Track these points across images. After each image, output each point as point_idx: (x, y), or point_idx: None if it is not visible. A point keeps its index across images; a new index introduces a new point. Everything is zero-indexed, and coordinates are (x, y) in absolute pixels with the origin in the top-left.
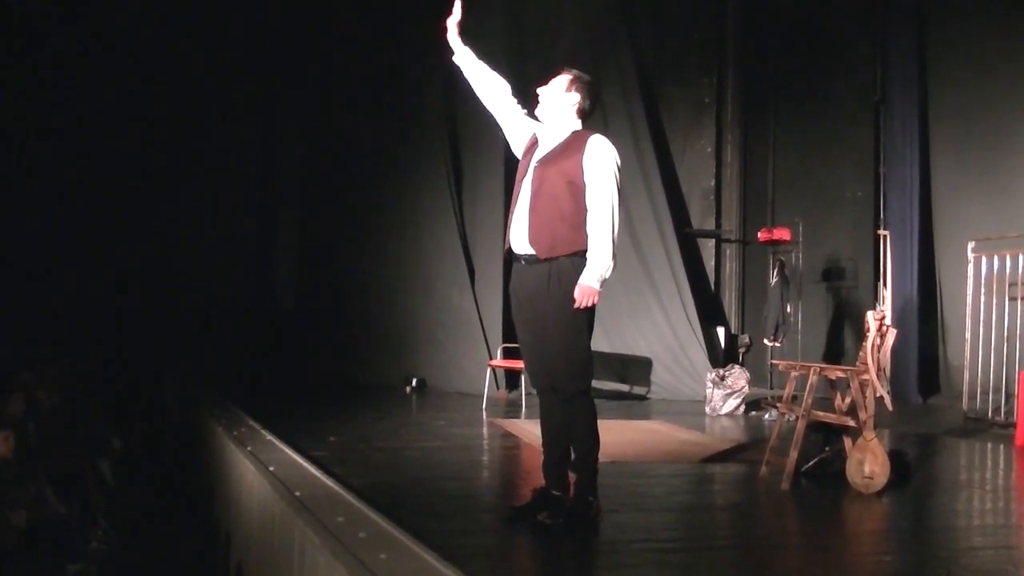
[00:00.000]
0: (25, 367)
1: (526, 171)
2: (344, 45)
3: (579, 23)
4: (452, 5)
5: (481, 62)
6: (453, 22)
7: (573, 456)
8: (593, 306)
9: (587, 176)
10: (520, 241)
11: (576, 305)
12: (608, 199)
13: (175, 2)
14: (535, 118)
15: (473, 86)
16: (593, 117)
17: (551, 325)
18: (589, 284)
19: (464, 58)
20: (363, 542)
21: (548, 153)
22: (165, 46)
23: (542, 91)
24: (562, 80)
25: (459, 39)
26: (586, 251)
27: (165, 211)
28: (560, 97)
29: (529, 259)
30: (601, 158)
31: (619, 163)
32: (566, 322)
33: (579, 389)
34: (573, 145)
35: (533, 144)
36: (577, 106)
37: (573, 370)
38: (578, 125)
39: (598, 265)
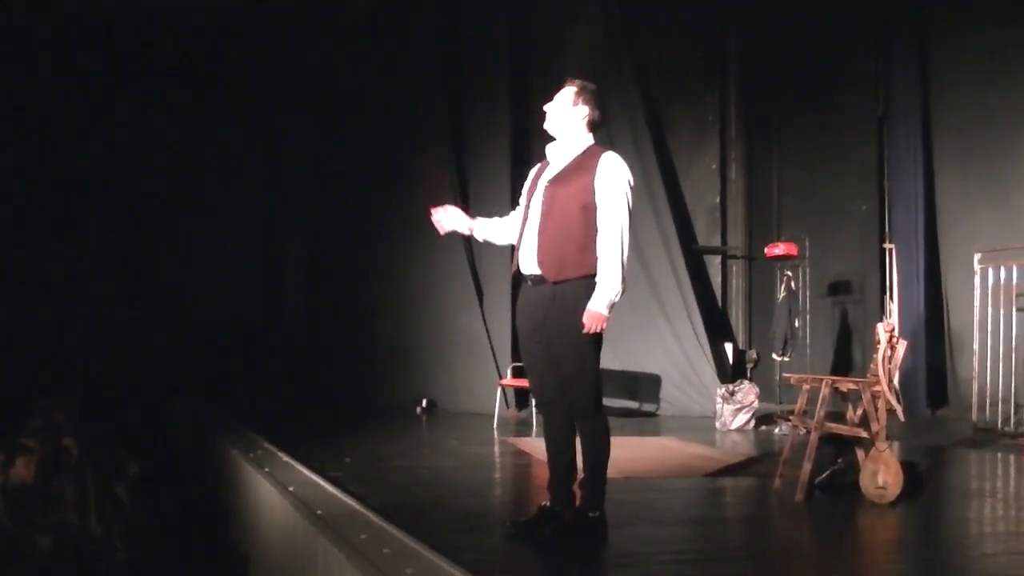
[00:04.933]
0: (40, 393)
1: (535, 190)
2: (349, 65)
3: (582, 42)
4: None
5: (494, 221)
6: (463, 223)
7: (581, 472)
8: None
9: (598, 197)
10: (528, 262)
11: (585, 331)
12: (618, 222)
13: (182, 24)
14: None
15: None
16: (598, 136)
17: (559, 347)
18: (598, 310)
19: (484, 232)
20: (388, 558)
21: (559, 172)
22: (172, 71)
23: (548, 108)
24: (567, 93)
25: (473, 223)
26: (594, 274)
27: (173, 236)
28: (568, 112)
29: (536, 280)
30: (613, 178)
31: (632, 183)
32: (573, 343)
33: (590, 408)
34: (585, 164)
35: (543, 167)
36: (587, 119)
37: (585, 390)
38: (590, 139)
39: (607, 290)
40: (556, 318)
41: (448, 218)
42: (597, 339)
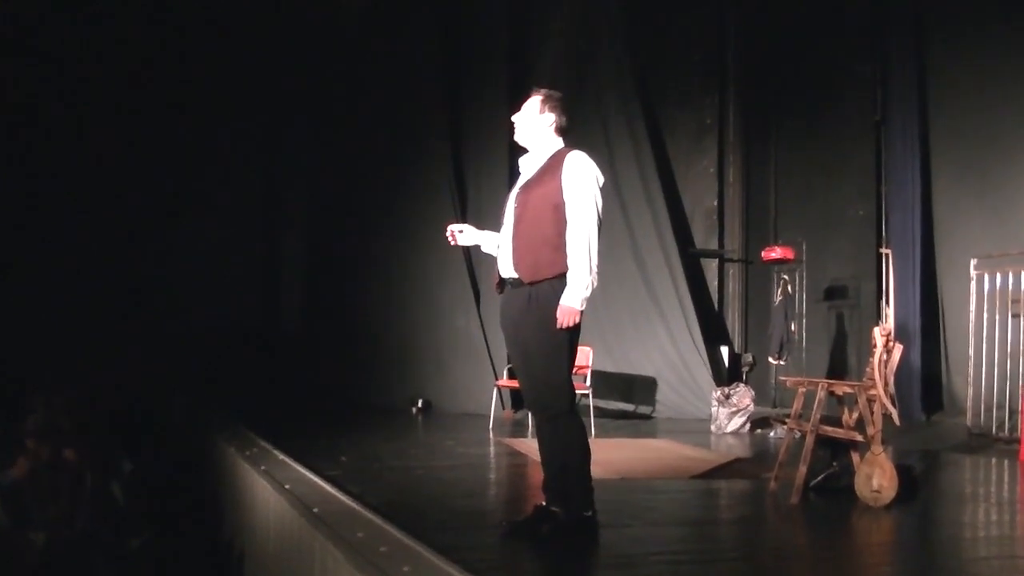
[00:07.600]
0: (36, 389)
1: (511, 199)
2: (347, 69)
3: (581, 45)
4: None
5: (488, 232)
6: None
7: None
8: (575, 327)
9: (566, 195)
10: (506, 266)
11: (558, 326)
12: (586, 218)
13: (181, 28)
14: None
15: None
16: (596, 139)
17: (533, 347)
18: (570, 305)
19: (490, 245)
20: (385, 556)
21: (531, 179)
22: (171, 73)
23: (516, 118)
24: (534, 102)
25: (482, 237)
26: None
27: (172, 235)
28: (535, 120)
29: (514, 282)
30: (579, 176)
31: (600, 180)
32: (546, 343)
33: (562, 409)
34: (553, 167)
35: (517, 177)
36: (554, 125)
37: (554, 391)
38: (559, 143)
39: (578, 286)
40: (532, 318)
41: (464, 237)
42: (572, 341)
